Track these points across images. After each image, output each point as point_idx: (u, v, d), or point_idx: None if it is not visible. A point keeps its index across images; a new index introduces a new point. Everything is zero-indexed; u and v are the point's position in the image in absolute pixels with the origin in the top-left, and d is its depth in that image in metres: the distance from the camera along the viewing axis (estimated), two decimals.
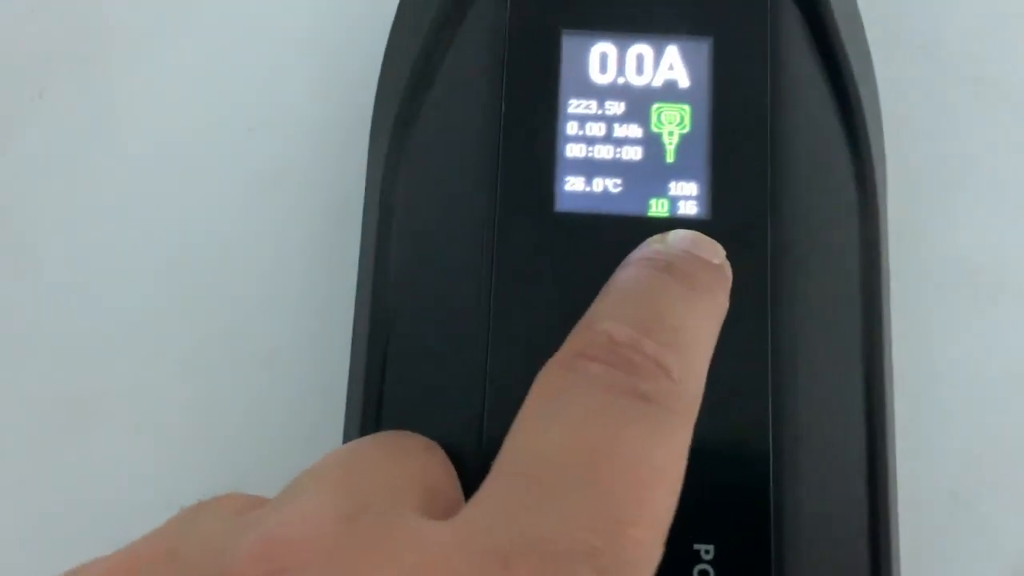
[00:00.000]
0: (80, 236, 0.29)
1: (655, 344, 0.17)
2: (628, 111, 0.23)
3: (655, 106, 0.23)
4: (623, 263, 0.19)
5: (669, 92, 0.23)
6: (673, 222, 0.23)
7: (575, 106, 0.23)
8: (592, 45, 0.23)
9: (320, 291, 0.28)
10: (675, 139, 0.23)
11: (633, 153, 0.23)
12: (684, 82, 0.23)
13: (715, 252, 0.19)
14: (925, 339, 0.28)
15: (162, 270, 0.29)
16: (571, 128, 0.23)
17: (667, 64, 0.23)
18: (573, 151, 0.23)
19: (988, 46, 0.30)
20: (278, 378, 0.28)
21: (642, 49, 0.23)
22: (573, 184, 0.23)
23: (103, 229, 0.29)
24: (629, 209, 0.23)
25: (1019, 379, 0.28)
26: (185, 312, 0.28)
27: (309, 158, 0.30)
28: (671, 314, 0.18)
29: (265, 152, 0.30)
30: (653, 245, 0.19)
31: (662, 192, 0.23)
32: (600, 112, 0.23)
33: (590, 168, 0.23)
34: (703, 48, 0.23)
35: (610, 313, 0.18)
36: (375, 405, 0.22)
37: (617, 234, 0.23)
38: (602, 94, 0.23)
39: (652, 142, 0.23)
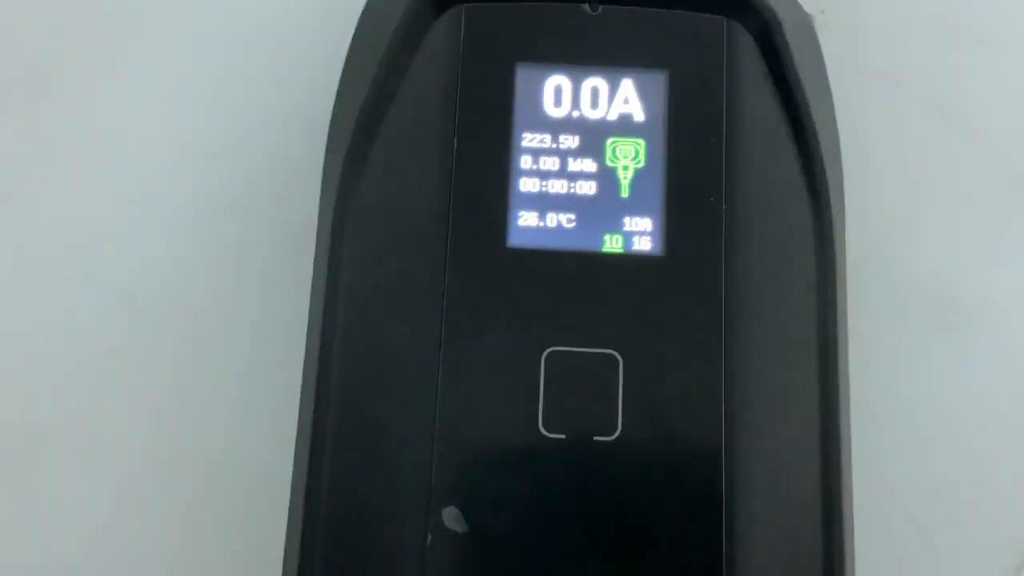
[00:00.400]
0: (32, 263, 0.29)
1: None
2: (582, 145, 0.23)
3: (610, 140, 0.23)
4: None
5: (624, 126, 0.23)
6: (627, 258, 0.22)
7: (529, 140, 0.23)
8: (546, 78, 0.23)
9: (282, 321, 0.28)
10: (630, 174, 0.23)
11: (587, 188, 0.23)
12: (639, 116, 0.23)
13: None
14: (888, 368, 0.28)
15: (116, 301, 0.28)
16: (525, 162, 0.23)
17: (622, 98, 0.23)
18: (526, 185, 0.23)
19: (948, 71, 0.30)
20: (237, 411, 0.28)
21: (597, 82, 0.23)
22: (526, 219, 0.23)
23: (57, 256, 0.29)
24: (583, 245, 0.23)
25: (984, 407, 0.28)
26: (140, 344, 0.28)
27: (271, 185, 0.29)
28: None
29: (225, 179, 0.29)
30: None
31: (616, 228, 0.23)
32: (554, 146, 0.23)
33: (544, 203, 0.23)
34: (659, 81, 0.23)
35: None
36: (322, 433, 0.22)
37: (571, 270, 0.22)
38: (556, 128, 0.23)
39: (606, 177, 0.23)
